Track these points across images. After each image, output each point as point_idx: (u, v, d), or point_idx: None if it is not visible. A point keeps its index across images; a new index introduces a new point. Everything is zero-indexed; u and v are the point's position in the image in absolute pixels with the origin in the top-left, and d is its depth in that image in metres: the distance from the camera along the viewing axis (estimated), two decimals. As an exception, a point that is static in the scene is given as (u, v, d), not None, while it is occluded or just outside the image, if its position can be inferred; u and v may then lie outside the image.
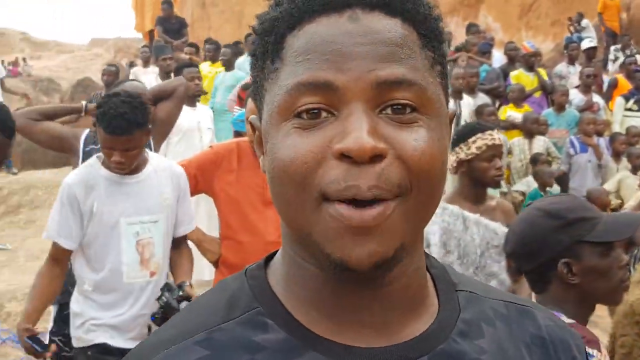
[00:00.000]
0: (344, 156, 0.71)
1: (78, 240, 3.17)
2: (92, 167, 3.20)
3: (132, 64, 14.24)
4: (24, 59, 24.92)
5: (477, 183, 3.29)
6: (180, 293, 3.11)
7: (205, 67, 10.13)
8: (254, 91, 0.82)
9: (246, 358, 0.75)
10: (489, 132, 3.26)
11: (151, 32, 13.26)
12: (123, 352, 2.97)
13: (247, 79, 8.10)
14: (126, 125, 2.98)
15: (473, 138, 3.22)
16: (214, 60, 10.48)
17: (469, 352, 0.79)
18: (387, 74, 0.72)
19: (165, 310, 3.08)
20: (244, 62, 10.16)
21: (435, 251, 3.09)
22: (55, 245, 3.21)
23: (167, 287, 3.15)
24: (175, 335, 0.78)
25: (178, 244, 3.39)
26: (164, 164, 3.34)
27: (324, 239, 0.73)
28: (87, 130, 4.04)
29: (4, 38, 34.10)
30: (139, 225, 3.16)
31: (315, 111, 0.73)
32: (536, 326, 0.88)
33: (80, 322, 3.23)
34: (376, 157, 0.71)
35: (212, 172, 3.54)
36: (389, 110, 0.73)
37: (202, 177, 3.55)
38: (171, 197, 3.24)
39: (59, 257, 3.23)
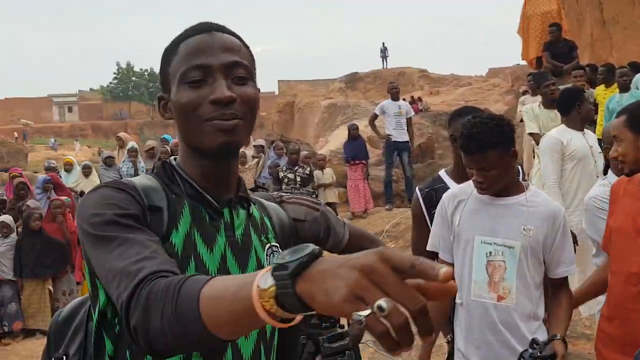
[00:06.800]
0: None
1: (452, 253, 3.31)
2: (467, 185, 3.28)
3: (524, 92, 13.88)
4: (419, 98, 26.07)
5: None
6: (541, 353, 2.92)
7: (599, 92, 9.48)
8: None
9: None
10: None
11: (538, 59, 12.73)
12: None
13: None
14: (477, 144, 3.02)
15: None
16: (607, 83, 9.68)
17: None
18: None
19: None
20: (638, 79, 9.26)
21: None
22: (439, 259, 3.34)
23: (533, 343, 2.99)
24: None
25: (556, 287, 3.25)
26: (538, 200, 3.21)
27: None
28: None
29: (404, 77, 36.10)
30: (492, 246, 3.15)
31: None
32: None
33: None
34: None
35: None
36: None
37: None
38: (538, 232, 3.13)
39: None
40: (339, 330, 2.72)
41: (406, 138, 13.42)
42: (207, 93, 1.52)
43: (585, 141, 6.03)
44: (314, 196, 9.82)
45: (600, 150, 6.05)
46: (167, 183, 1.61)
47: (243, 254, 1.63)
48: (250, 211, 1.70)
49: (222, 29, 1.60)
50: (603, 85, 9.84)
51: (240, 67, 1.56)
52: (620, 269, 3.32)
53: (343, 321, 2.86)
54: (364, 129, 17.39)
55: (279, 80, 48.23)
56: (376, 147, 18.83)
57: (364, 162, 14.79)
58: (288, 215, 1.87)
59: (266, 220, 1.75)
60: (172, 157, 1.68)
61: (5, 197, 12.24)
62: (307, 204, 3.05)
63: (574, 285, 5.42)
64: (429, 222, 3.65)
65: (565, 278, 3.25)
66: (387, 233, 11.79)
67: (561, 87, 8.40)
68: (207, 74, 1.53)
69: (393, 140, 13.36)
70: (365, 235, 3.16)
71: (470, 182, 3.26)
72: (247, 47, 1.63)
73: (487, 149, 3.02)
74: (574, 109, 6.02)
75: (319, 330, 2.65)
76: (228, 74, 1.54)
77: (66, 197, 10.78)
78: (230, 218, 1.62)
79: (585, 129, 6.18)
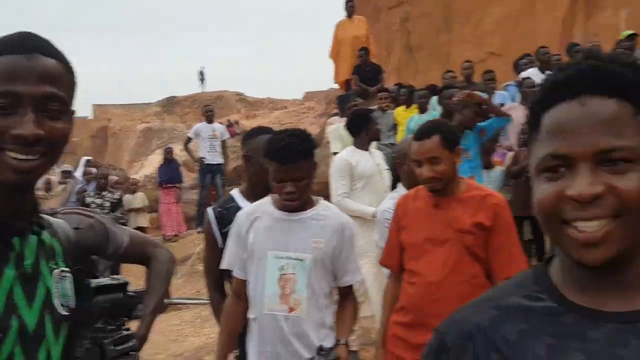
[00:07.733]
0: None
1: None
2: (262, 203, 3.35)
3: (335, 114, 14.24)
4: (236, 121, 26.25)
5: None
6: (327, 359, 3.15)
7: (399, 112, 9.93)
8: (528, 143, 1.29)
9: (521, 316, 1.16)
10: None
11: (347, 81, 13.11)
12: None
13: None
14: (290, 155, 3.11)
15: None
16: (408, 104, 10.13)
17: None
18: (605, 144, 1.06)
19: None
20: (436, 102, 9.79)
21: None
22: (233, 277, 3.40)
23: (319, 350, 3.18)
24: (478, 301, 1.26)
25: (343, 295, 3.43)
26: (328, 214, 3.35)
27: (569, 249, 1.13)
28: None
29: (222, 101, 36.09)
30: (285, 260, 3.23)
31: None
32: None
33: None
34: (596, 198, 1.07)
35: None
36: (607, 164, 1.08)
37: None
38: (328, 244, 3.26)
39: (237, 289, 3.39)
40: (125, 333, 2.57)
41: (220, 160, 13.47)
42: (13, 123, 1.37)
43: (373, 160, 6.29)
44: (123, 222, 9.51)
45: (386, 167, 6.35)
46: None
47: (31, 284, 1.52)
48: (42, 237, 1.58)
49: (44, 50, 1.43)
50: (404, 106, 10.24)
51: (55, 100, 1.41)
52: (421, 280, 3.43)
53: (128, 323, 2.72)
54: (180, 153, 17.19)
55: (93, 104, 46.40)
56: (192, 170, 18.62)
57: (177, 185, 14.63)
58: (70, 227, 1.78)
59: (55, 243, 1.64)
60: None
61: None
62: (80, 212, 2.97)
63: (373, 297, 5.54)
64: (219, 241, 3.72)
65: (351, 286, 3.41)
66: (198, 255, 11.63)
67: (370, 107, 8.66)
68: (16, 103, 1.37)
69: (206, 162, 13.37)
70: (148, 240, 3.09)
71: (265, 199, 3.35)
72: (70, 71, 1.48)
73: (301, 159, 3.15)
74: (363, 131, 6.30)
75: (104, 333, 2.49)
76: (40, 107, 1.39)
77: None
78: (20, 247, 1.51)
79: (370, 149, 6.48)
